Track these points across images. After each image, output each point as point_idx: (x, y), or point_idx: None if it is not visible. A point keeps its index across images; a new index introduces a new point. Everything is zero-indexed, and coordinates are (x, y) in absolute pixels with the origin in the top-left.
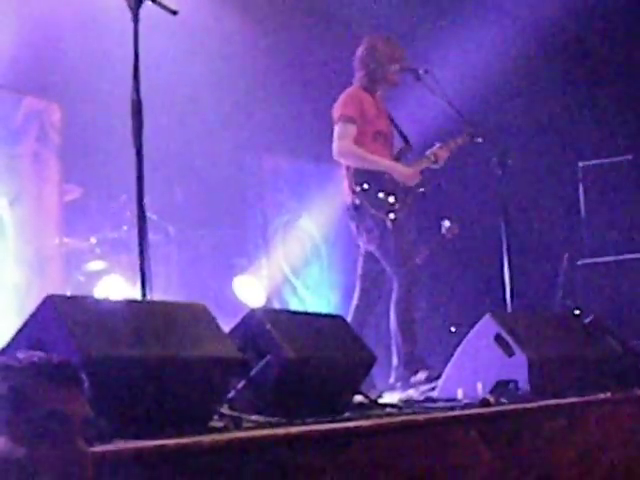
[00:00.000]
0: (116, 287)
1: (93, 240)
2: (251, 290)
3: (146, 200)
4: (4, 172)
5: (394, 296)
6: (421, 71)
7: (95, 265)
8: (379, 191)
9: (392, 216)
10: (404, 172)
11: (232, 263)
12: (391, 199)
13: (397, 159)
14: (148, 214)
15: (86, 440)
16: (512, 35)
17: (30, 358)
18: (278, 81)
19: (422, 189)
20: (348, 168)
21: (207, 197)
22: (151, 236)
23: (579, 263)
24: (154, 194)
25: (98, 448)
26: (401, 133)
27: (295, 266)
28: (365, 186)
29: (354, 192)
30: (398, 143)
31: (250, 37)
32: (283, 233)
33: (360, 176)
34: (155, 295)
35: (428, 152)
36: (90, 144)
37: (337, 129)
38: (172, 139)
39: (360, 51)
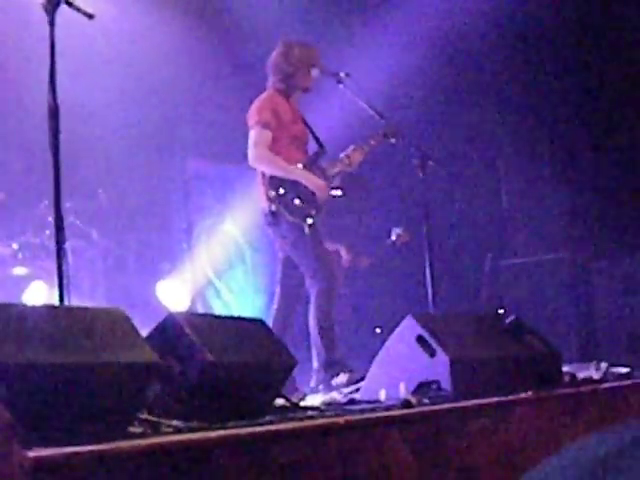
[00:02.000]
0: (41, 294)
1: (15, 246)
2: (175, 294)
3: (69, 205)
4: None
5: (312, 301)
6: (342, 74)
7: (18, 271)
8: (295, 197)
9: (309, 221)
10: (317, 183)
11: (156, 267)
12: (307, 205)
13: (311, 163)
14: (71, 219)
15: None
16: (427, 34)
17: None
18: (201, 84)
19: (338, 193)
20: (263, 174)
21: (131, 201)
22: (74, 241)
23: (502, 263)
24: (77, 198)
25: (36, 452)
26: (315, 137)
27: (219, 270)
28: (281, 191)
29: (269, 198)
30: (313, 147)
31: (172, 41)
32: (207, 237)
33: (275, 182)
34: (79, 301)
35: (341, 155)
36: (10, 149)
37: (252, 135)
38: (95, 143)
39: (274, 55)
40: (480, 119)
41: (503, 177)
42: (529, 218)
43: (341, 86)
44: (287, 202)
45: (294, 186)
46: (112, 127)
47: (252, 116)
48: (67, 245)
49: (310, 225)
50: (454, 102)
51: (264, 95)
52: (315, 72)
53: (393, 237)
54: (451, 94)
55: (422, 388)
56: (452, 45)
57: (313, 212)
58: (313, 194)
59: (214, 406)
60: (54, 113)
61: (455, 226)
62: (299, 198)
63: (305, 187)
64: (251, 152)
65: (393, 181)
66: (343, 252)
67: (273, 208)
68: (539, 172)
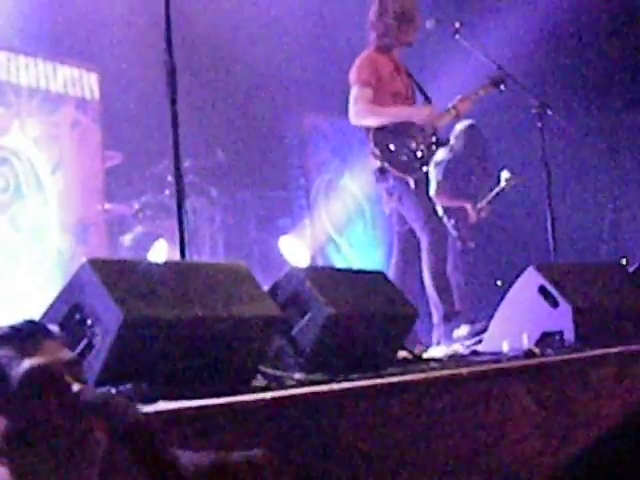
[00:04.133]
0: (163, 252)
1: (136, 206)
2: (295, 250)
3: (187, 163)
4: (45, 140)
5: (424, 255)
6: (457, 24)
7: (140, 230)
8: (400, 153)
9: (415, 176)
10: (423, 111)
11: (276, 224)
12: (412, 160)
13: None
14: (190, 177)
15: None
16: None
17: None
18: (318, 37)
19: (444, 146)
20: (368, 132)
21: (249, 158)
22: (194, 199)
23: (624, 214)
24: (196, 157)
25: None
26: (421, 90)
27: (339, 225)
28: (386, 148)
29: (375, 155)
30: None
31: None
32: (326, 193)
33: (380, 139)
34: (199, 258)
35: (449, 106)
36: (129, 110)
37: (352, 93)
38: (212, 100)
39: (370, 12)
40: (604, 72)
41: (625, 129)
42: None
43: (457, 36)
44: (392, 158)
45: (399, 141)
46: (229, 83)
47: (352, 75)
48: (187, 203)
49: (416, 180)
50: (577, 55)
51: (363, 54)
52: (430, 24)
53: (502, 183)
54: (575, 46)
55: (545, 338)
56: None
57: (419, 167)
58: (419, 148)
59: (336, 359)
60: (172, 72)
61: (576, 176)
62: (404, 153)
63: (410, 142)
64: (351, 109)
65: (511, 132)
66: (469, 208)
67: (379, 165)
68: None
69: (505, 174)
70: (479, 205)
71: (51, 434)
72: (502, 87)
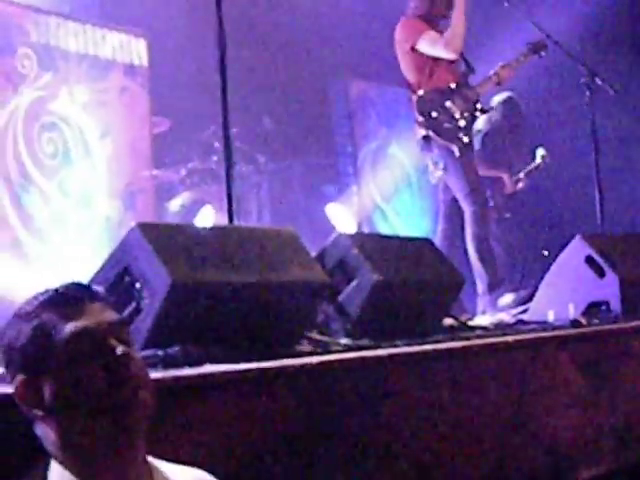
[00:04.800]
0: (210, 218)
1: (183, 172)
2: (342, 218)
3: (235, 130)
4: (93, 107)
5: (467, 225)
6: None
7: (187, 196)
8: (445, 120)
9: (459, 143)
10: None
11: (322, 191)
12: (457, 128)
13: (460, 84)
14: (237, 144)
15: (177, 364)
16: None
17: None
18: (364, 3)
19: (488, 113)
20: (412, 100)
21: (295, 126)
22: (241, 166)
23: None
24: (243, 124)
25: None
26: (464, 58)
27: (385, 193)
28: (430, 115)
29: (420, 123)
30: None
31: None
32: (372, 160)
33: (424, 106)
34: (247, 223)
35: (491, 73)
36: (177, 76)
37: (424, 47)
38: (259, 67)
39: None
40: None
41: None
42: None
43: (506, 4)
44: (436, 126)
45: (443, 109)
46: (274, 51)
47: (402, 36)
48: (234, 170)
49: (460, 148)
50: (630, 24)
51: (402, 21)
52: None
53: (538, 159)
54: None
55: (591, 308)
56: None
57: (463, 134)
58: (463, 116)
59: (383, 325)
60: (221, 40)
61: (624, 146)
62: (448, 121)
63: (454, 109)
64: (440, 49)
65: (560, 101)
66: (506, 179)
67: (424, 133)
68: None
69: (541, 151)
70: (515, 177)
71: (96, 397)
72: (542, 53)
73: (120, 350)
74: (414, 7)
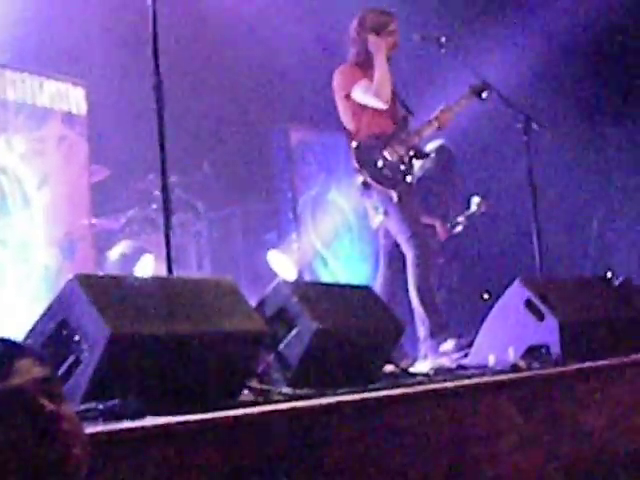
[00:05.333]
0: (149, 266)
1: (123, 220)
2: (283, 265)
3: (174, 178)
4: (31, 155)
5: (409, 270)
6: (442, 39)
7: (127, 245)
8: (382, 166)
9: (398, 189)
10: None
11: (262, 238)
12: (395, 173)
13: (400, 128)
14: (177, 192)
15: (117, 417)
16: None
17: None
18: (304, 53)
19: (426, 159)
20: (350, 147)
21: (235, 172)
22: (181, 214)
23: (610, 225)
24: (182, 171)
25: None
26: (403, 103)
27: (326, 239)
28: (368, 162)
29: (358, 169)
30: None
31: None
32: (313, 207)
33: (362, 152)
34: (187, 272)
35: (431, 117)
36: (116, 124)
37: (357, 96)
38: (199, 114)
39: (351, 28)
40: (589, 90)
41: (611, 144)
42: (636, 184)
43: (442, 50)
44: (375, 172)
45: (381, 155)
46: (215, 97)
47: (339, 84)
48: (174, 218)
49: (400, 193)
50: (564, 72)
51: (341, 67)
52: (416, 37)
53: (473, 207)
54: (562, 67)
55: (531, 352)
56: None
57: (401, 179)
58: (402, 161)
59: (324, 373)
60: (158, 87)
61: (562, 190)
62: (386, 167)
63: (393, 155)
64: (370, 100)
65: (497, 146)
66: (438, 226)
67: (362, 179)
68: None
69: (476, 199)
70: (449, 223)
71: (25, 457)
72: (484, 95)
73: (49, 408)
74: (353, 54)
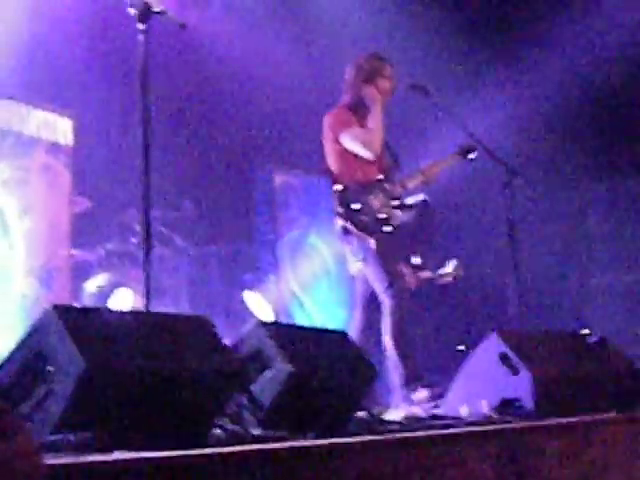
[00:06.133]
0: (126, 300)
1: (102, 252)
2: (260, 306)
3: (155, 213)
4: (14, 184)
5: (385, 318)
6: (429, 88)
7: (104, 277)
8: (362, 213)
9: (375, 236)
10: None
11: (241, 278)
12: (374, 221)
13: (385, 177)
14: (156, 227)
15: (87, 450)
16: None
17: None
18: (291, 96)
19: (408, 210)
20: (333, 189)
21: (217, 211)
22: (159, 249)
23: (588, 282)
24: (164, 207)
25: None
26: (391, 151)
27: (304, 282)
28: (349, 207)
29: (339, 214)
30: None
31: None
32: (292, 249)
33: (344, 197)
34: (163, 308)
35: (417, 170)
36: (101, 156)
37: (345, 142)
38: (183, 150)
39: (346, 73)
40: (566, 139)
41: (590, 196)
42: (615, 237)
43: (429, 100)
44: (355, 218)
45: (362, 201)
46: (200, 136)
47: (327, 133)
48: (153, 253)
49: (377, 240)
50: (546, 130)
51: (335, 110)
52: (403, 85)
53: (448, 269)
54: (538, 118)
55: (504, 405)
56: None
57: (380, 227)
58: (382, 209)
59: (295, 416)
60: (146, 122)
61: (541, 244)
62: (366, 213)
63: (373, 202)
64: (360, 150)
65: (478, 197)
66: (407, 274)
67: (342, 224)
68: (626, 191)
69: (453, 262)
70: (420, 275)
71: None
72: (472, 156)
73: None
74: (346, 98)
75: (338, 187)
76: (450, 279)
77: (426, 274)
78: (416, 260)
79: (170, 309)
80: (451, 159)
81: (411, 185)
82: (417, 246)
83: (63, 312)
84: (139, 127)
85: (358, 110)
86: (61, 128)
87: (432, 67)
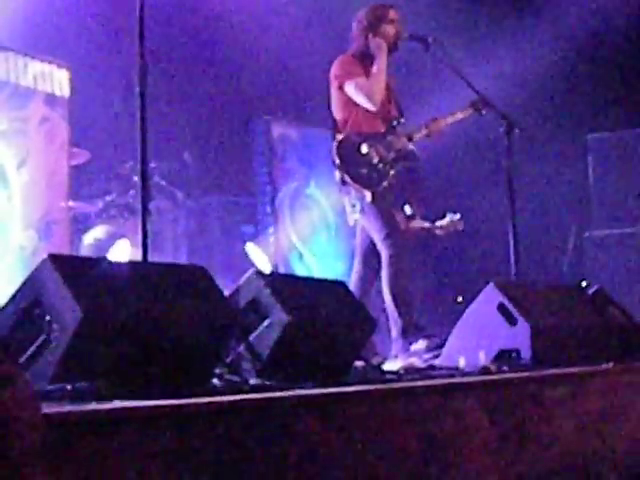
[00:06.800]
0: (125, 252)
1: (100, 205)
2: (259, 257)
3: (154, 165)
4: (12, 135)
5: (384, 269)
6: (430, 39)
7: (103, 229)
8: (360, 165)
9: (372, 189)
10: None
11: (240, 230)
12: (372, 172)
13: (388, 129)
14: (156, 179)
15: (85, 399)
16: None
17: None
18: (285, 46)
19: (408, 163)
20: (334, 139)
21: (216, 163)
22: (159, 201)
23: (587, 235)
24: (163, 159)
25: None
26: (397, 104)
27: (303, 234)
28: (347, 160)
29: (337, 166)
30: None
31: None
32: (291, 201)
33: (343, 150)
34: (162, 259)
35: (422, 123)
36: (99, 108)
37: (349, 91)
38: (182, 102)
39: (354, 24)
40: (568, 89)
41: (591, 149)
42: (615, 190)
43: (429, 52)
44: (352, 169)
45: (361, 154)
46: (199, 88)
47: (333, 81)
48: (152, 205)
49: (374, 193)
50: (542, 73)
51: (342, 56)
52: (404, 36)
53: (445, 221)
54: (541, 65)
55: (502, 356)
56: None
57: (377, 180)
58: (380, 161)
59: (293, 366)
60: (143, 72)
61: (540, 196)
62: (364, 166)
63: (372, 155)
64: (361, 99)
65: (477, 149)
66: (399, 218)
67: (340, 176)
68: (627, 144)
69: (451, 216)
70: (413, 225)
71: None
72: (483, 112)
73: None
74: (353, 48)
75: (339, 136)
76: (448, 231)
77: (420, 224)
78: (408, 210)
79: (169, 261)
80: (460, 114)
81: (415, 139)
82: (410, 197)
83: (60, 262)
84: (136, 78)
85: (364, 60)
86: (58, 79)
87: (431, 19)
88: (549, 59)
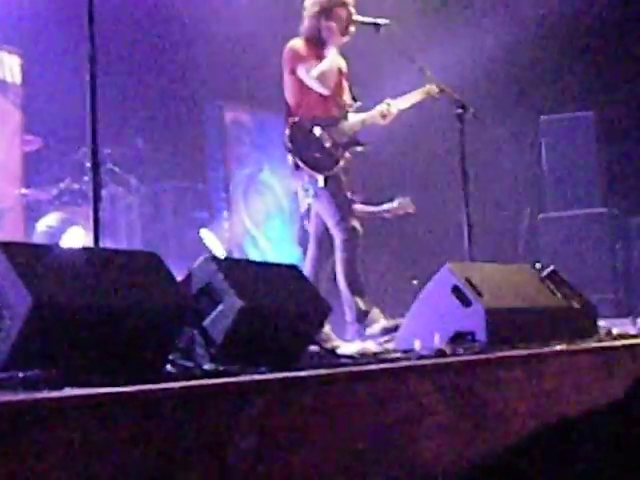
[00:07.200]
0: (78, 239)
1: (54, 192)
2: (213, 243)
3: (107, 151)
4: None
5: (337, 253)
6: (381, 23)
7: (56, 216)
8: (312, 149)
9: (324, 173)
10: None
11: (194, 216)
12: (324, 157)
13: (342, 114)
14: (109, 165)
15: (37, 387)
16: None
17: None
18: (237, 30)
19: (361, 147)
20: (286, 123)
21: (169, 149)
22: (112, 188)
23: (541, 216)
24: (116, 145)
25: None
26: (350, 88)
27: (257, 219)
28: (299, 144)
29: (290, 150)
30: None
31: None
32: (245, 186)
33: (295, 134)
34: (116, 246)
35: (375, 108)
36: (51, 94)
37: (301, 75)
38: (134, 89)
39: (305, 3)
40: (523, 75)
41: (544, 131)
42: (568, 172)
43: (379, 33)
44: (305, 154)
45: (313, 138)
46: (151, 73)
47: (285, 65)
48: (105, 191)
49: (326, 178)
50: (494, 55)
51: (293, 42)
52: (355, 19)
53: (394, 204)
54: (493, 47)
55: (457, 338)
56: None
57: (330, 165)
58: (332, 146)
59: (247, 351)
60: (93, 58)
61: (494, 179)
62: (317, 150)
63: (324, 139)
64: (315, 85)
65: (430, 132)
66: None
67: (292, 160)
68: (579, 127)
69: (400, 199)
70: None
71: None
72: (437, 96)
73: None
74: (304, 29)
75: (291, 120)
76: (397, 214)
77: (361, 208)
78: (351, 195)
79: (123, 247)
80: (413, 98)
81: (367, 123)
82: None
83: (9, 249)
84: (87, 64)
85: (316, 44)
86: (9, 66)
87: (384, 3)
88: (502, 42)
